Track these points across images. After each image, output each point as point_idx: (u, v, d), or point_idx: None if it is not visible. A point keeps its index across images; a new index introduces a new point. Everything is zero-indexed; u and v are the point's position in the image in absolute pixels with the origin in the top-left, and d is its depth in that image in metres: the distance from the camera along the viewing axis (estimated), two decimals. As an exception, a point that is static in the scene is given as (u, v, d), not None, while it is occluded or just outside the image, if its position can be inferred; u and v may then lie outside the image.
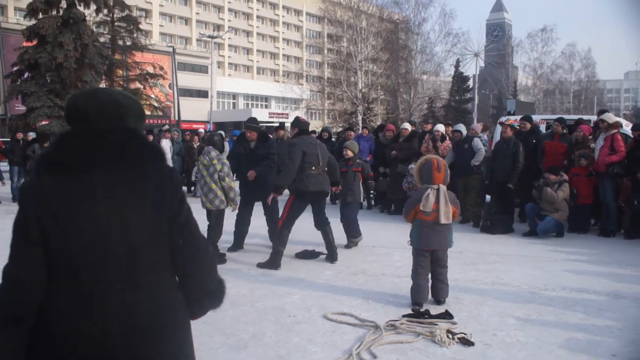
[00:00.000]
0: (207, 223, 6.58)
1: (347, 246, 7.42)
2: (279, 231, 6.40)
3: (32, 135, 13.40)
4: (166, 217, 1.74)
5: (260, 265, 6.30)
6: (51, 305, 1.63)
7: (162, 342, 1.70)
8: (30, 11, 23.94)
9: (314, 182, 6.35)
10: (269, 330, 4.24)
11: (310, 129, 7.24)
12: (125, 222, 1.66)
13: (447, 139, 10.11)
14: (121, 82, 32.60)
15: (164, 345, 1.71)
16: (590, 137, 9.16)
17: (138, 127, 1.83)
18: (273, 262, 6.26)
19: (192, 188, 13.53)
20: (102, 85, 28.43)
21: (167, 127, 15.26)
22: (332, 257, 6.61)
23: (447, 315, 4.51)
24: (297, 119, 6.91)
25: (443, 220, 4.73)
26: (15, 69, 24.98)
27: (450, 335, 4.03)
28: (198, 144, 13.71)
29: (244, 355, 3.79)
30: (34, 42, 23.81)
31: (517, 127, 9.76)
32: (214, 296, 1.90)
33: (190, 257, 1.80)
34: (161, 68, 35.21)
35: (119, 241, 1.65)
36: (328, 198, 7.18)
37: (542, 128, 10.56)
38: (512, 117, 11.54)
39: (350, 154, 7.73)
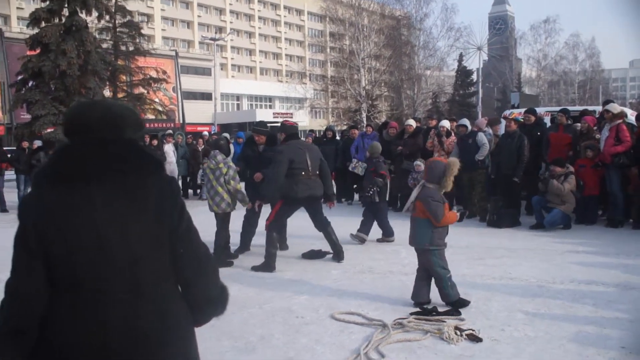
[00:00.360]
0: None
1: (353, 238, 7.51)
2: (267, 234, 6.34)
3: (37, 143, 13.45)
4: (167, 226, 1.75)
5: (255, 269, 6.26)
6: (53, 314, 1.64)
7: (166, 350, 1.71)
8: (33, 20, 24.04)
9: (303, 188, 6.25)
10: (277, 332, 4.24)
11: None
12: (126, 231, 1.67)
13: (453, 134, 10.08)
14: (125, 88, 32.72)
15: (169, 353, 1.71)
16: (595, 128, 9.10)
17: (137, 138, 1.85)
18: (267, 265, 6.23)
19: (199, 191, 13.58)
20: (106, 91, 28.51)
21: (169, 131, 15.30)
22: (338, 256, 6.59)
23: (454, 312, 4.49)
24: (283, 124, 6.81)
25: (404, 209, 5.05)
26: (19, 77, 25.09)
27: (458, 332, 4.01)
28: (203, 146, 13.74)
29: (253, 358, 3.80)
30: (37, 51, 23.90)
31: (522, 120, 9.71)
32: (217, 303, 1.90)
33: (191, 265, 1.80)
34: (164, 72, 35.33)
35: (120, 250, 1.66)
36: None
37: (547, 120, 10.51)
38: (516, 110, 11.49)
39: (368, 155, 8.06)
